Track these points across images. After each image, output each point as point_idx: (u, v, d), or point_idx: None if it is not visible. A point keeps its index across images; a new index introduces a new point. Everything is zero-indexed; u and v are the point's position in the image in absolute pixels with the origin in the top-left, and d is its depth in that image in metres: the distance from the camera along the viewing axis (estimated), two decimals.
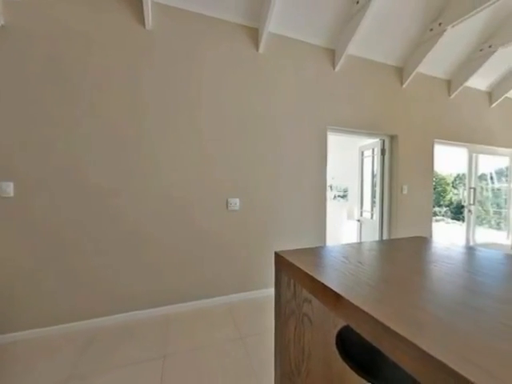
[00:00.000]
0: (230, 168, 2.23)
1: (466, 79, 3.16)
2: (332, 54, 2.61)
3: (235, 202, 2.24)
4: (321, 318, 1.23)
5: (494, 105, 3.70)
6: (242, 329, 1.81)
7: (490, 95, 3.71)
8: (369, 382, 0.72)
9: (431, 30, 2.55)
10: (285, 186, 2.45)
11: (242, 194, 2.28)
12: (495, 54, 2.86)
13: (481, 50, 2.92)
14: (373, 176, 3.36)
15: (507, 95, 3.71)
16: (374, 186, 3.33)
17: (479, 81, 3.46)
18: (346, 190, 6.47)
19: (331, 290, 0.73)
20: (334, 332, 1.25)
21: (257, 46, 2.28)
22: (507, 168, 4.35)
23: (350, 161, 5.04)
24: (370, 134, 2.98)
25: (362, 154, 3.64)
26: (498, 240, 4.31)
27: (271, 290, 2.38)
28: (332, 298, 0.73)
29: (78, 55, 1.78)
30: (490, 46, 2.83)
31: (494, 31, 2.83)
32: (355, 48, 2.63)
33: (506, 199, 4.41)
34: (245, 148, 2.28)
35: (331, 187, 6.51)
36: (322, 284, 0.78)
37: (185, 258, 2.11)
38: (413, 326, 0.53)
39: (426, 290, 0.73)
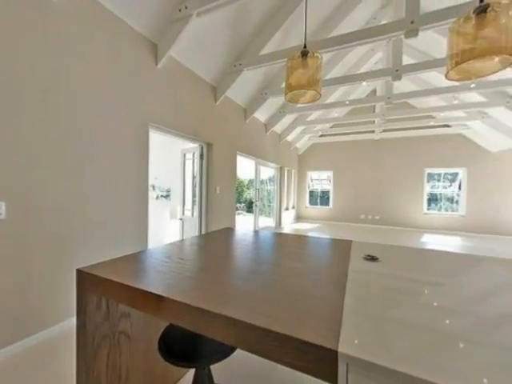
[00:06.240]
0: None
1: (253, 112, 4.44)
2: (155, 49, 2.50)
3: None
4: (141, 329, 1.14)
5: (267, 133, 5.52)
6: None
7: (266, 127, 5.49)
8: (190, 367, 0.78)
9: (235, 66, 3.28)
10: (94, 186, 1.97)
11: (13, 196, 1.51)
12: (268, 100, 4.28)
13: (261, 94, 4.24)
14: (193, 177, 3.68)
15: (273, 129, 5.69)
16: (194, 186, 3.65)
17: (261, 115, 5.01)
18: (169, 190, 6.49)
19: (152, 293, 0.70)
20: (157, 337, 1.21)
21: None
22: (274, 176, 6.73)
23: (173, 162, 5.15)
24: (192, 139, 3.24)
25: (184, 156, 3.86)
26: (270, 224, 6.54)
27: (71, 321, 1.81)
28: (154, 301, 0.70)
29: None
30: (265, 93, 4.19)
31: (267, 84, 4.22)
32: (179, 54, 2.72)
33: (273, 197, 6.78)
34: (20, 129, 1.53)
35: (154, 187, 6.24)
36: (142, 290, 0.72)
37: None
38: (221, 300, 0.66)
39: (231, 269, 0.93)
